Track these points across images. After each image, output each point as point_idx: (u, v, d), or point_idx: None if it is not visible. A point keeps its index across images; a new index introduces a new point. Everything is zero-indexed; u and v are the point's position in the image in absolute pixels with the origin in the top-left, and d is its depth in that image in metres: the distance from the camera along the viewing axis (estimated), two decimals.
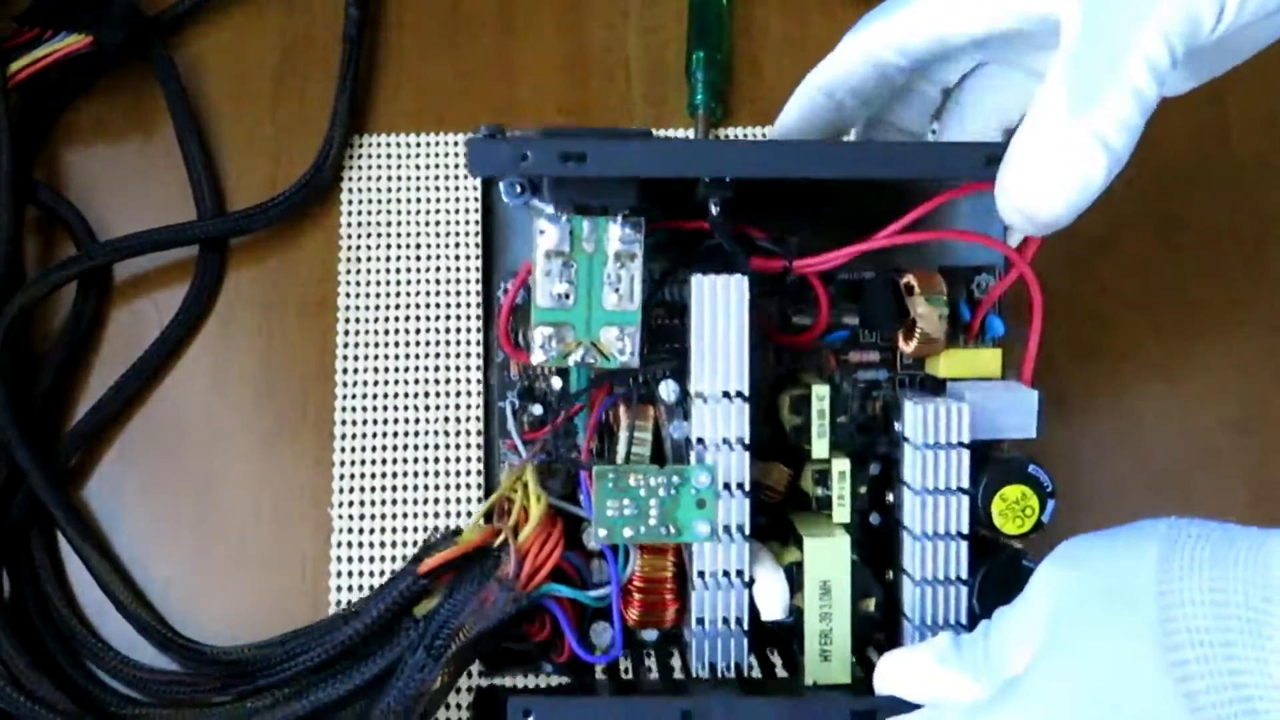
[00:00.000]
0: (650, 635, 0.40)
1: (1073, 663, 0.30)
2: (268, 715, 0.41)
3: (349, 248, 0.52)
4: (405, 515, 0.47)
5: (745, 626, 0.37)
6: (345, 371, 0.49)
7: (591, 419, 0.39)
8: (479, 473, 0.46)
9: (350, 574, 0.46)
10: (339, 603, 0.46)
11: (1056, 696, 0.30)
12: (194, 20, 0.55)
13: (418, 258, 0.51)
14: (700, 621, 0.38)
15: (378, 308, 0.51)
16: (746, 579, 0.37)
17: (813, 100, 0.39)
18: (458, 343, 0.49)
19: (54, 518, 0.46)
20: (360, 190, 0.53)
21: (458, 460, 0.48)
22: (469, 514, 0.48)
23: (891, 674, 0.35)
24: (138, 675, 0.44)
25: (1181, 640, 0.28)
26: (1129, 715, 0.29)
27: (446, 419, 0.48)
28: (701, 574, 0.37)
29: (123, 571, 0.46)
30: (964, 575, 0.38)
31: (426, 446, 0.48)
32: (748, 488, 0.37)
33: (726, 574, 0.37)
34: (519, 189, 0.37)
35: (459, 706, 0.44)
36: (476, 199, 0.52)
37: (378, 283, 0.51)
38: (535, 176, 0.36)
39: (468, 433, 0.48)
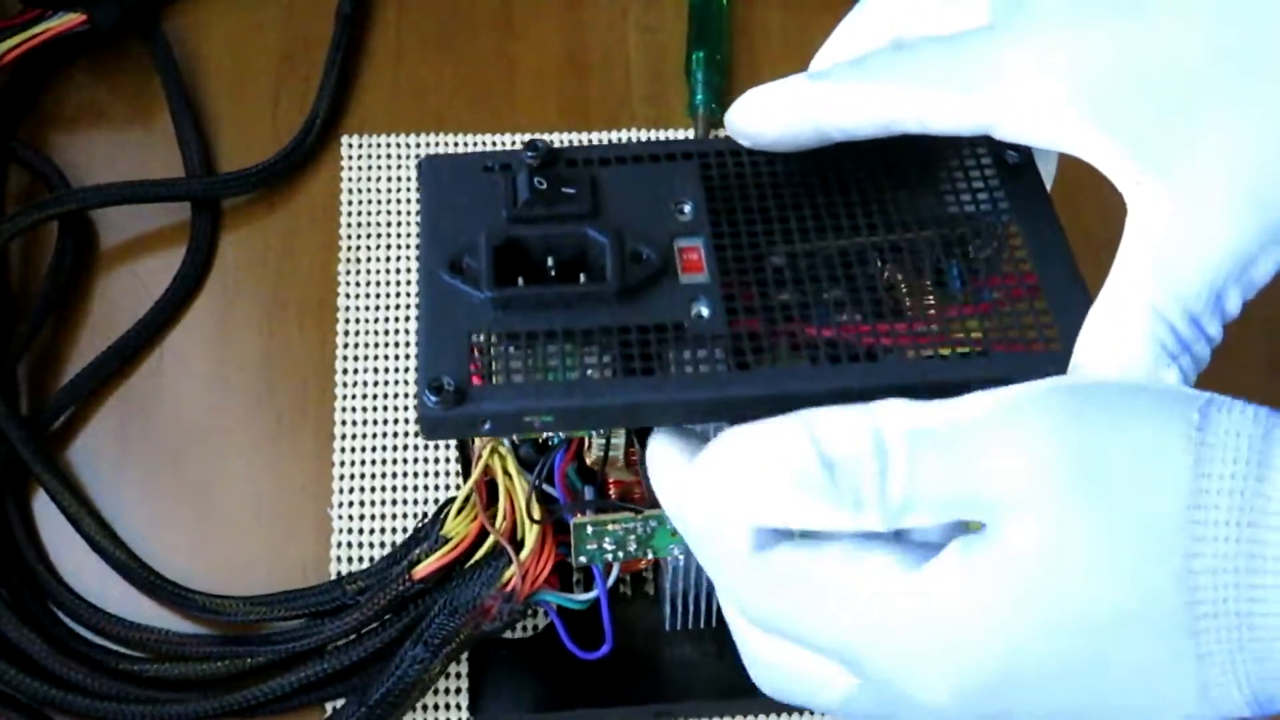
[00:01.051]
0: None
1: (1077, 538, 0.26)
2: (261, 690, 0.42)
3: (349, 248, 0.52)
4: (405, 515, 0.47)
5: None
6: (345, 372, 0.49)
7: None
8: None
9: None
10: None
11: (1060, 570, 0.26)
12: (193, 1, 0.55)
13: (418, 258, 0.51)
14: (673, 608, 0.39)
15: (378, 308, 0.51)
16: None
17: (801, 132, 0.35)
18: None
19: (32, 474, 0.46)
20: (360, 190, 0.53)
21: (458, 460, 0.48)
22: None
23: (725, 480, 0.30)
24: (134, 635, 0.44)
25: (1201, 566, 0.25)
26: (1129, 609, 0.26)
27: None
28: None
29: (103, 521, 0.46)
30: None
31: (426, 446, 0.48)
32: None
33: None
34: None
35: (459, 707, 0.44)
36: None
37: (378, 283, 0.51)
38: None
39: None
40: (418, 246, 0.37)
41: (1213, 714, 0.26)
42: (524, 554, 0.38)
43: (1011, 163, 0.35)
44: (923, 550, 0.28)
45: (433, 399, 0.31)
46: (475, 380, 0.32)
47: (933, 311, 0.34)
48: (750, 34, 0.56)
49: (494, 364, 0.33)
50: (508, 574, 0.39)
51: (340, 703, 0.42)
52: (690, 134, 0.54)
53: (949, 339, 0.33)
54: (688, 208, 0.35)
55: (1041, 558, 0.26)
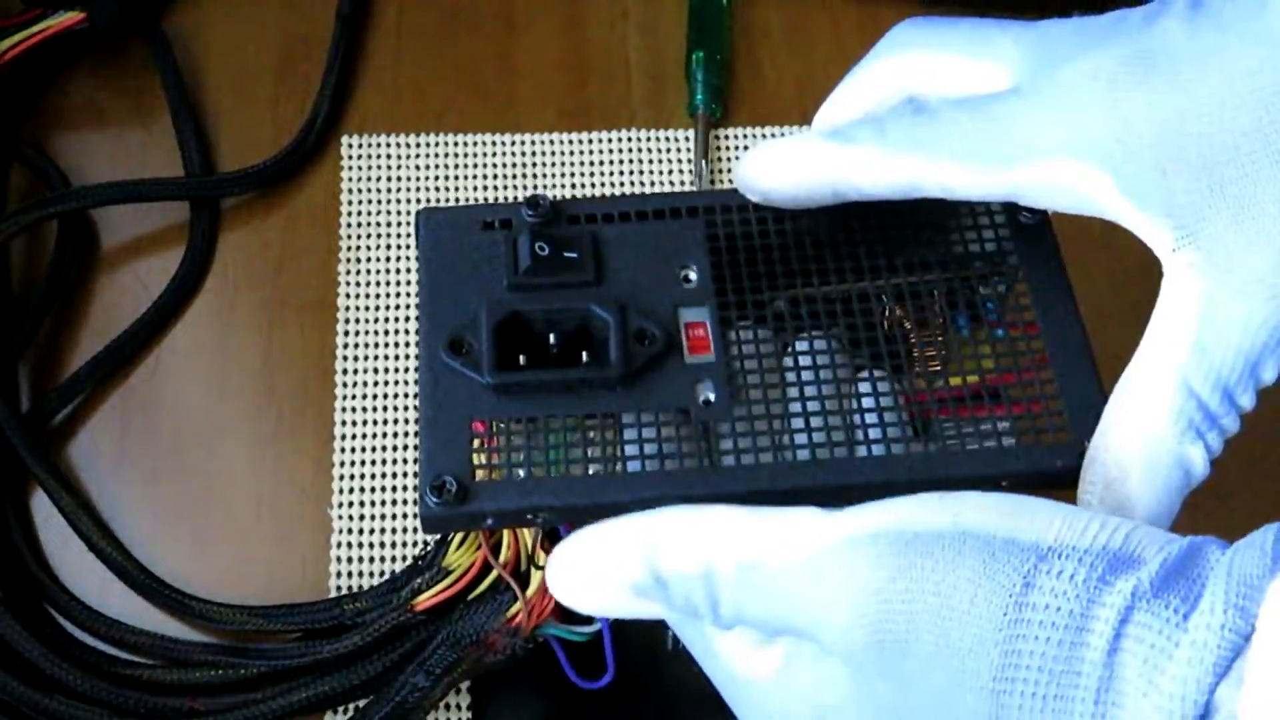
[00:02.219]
0: None
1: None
2: (259, 708, 0.41)
3: (349, 248, 0.52)
4: (405, 515, 0.47)
5: None
6: (345, 372, 0.49)
7: None
8: None
9: (350, 574, 0.46)
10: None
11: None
12: (193, 1, 0.56)
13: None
14: None
15: (378, 308, 0.51)
16: None
17: (815, 192, 0.34)
18: None
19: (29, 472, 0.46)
20: (360, 190, 0.53)
21: None
22: None
23: (569, 582, 0.31)
24: (130, 638, 0.44)
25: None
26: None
27: None
28: None
29: (101, 521, 0.46)
30: None
31: None
32: None
33: None
34: None
35: (459, 707, 0.44)
36: (475, 200, 0.53)
37: (378, 283, 0.51)
38: None
39: None
40: (417, 312, 0.36)
41: None
42: (530, 591, 0.38)
43: (1025, 223, 0.35)
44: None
45: (435, 499, 0.31)
46: (479, 475, 0.32)
47: (940, 386, 0.34)
48: (750, 34, 0.56)
49: (495, 456, 0.32)
50: (513, 610, 0.39)
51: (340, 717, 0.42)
52: (690, 134, 0.54)
53: (956, 415, 0.33)
54: (693, 274, 0.35)
55: (845, 705, 0.27)
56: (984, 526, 0.27)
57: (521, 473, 0.32)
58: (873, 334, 0.34)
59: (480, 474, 0.32)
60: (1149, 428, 0.30)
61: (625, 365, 0.33)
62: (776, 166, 0.34)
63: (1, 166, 0.52)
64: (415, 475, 0.47)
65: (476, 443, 0.32)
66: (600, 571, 0.30)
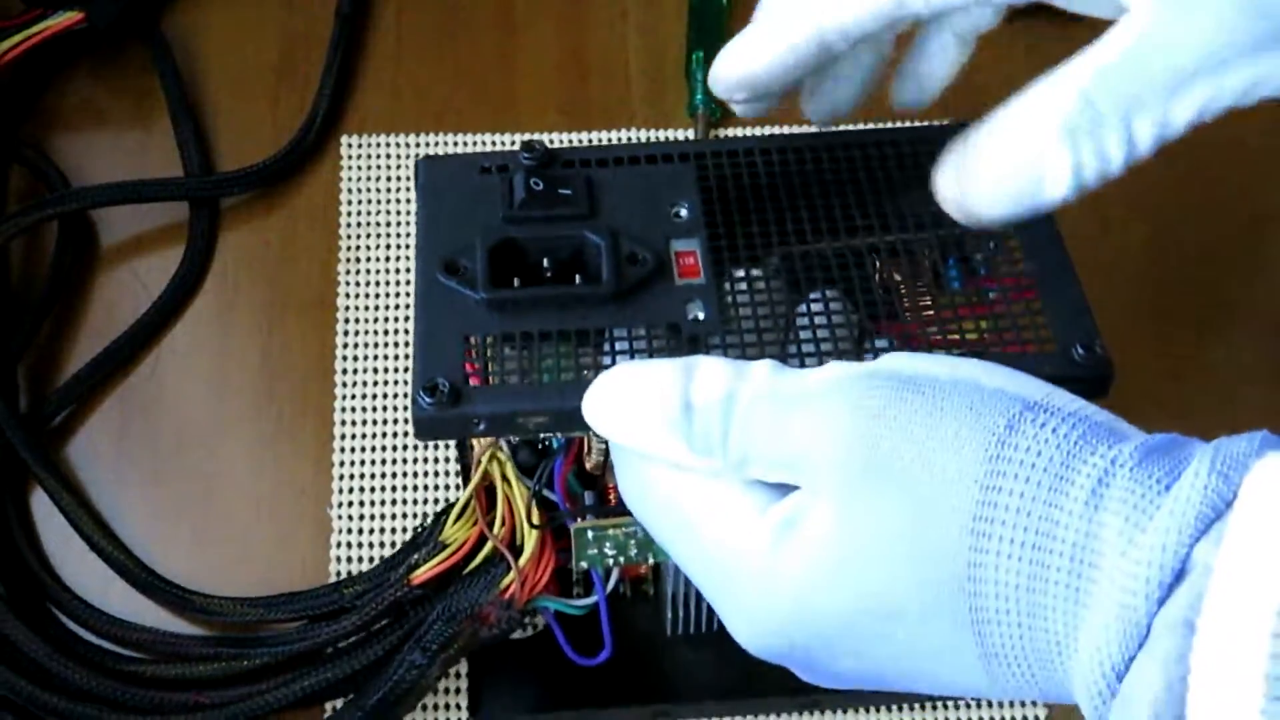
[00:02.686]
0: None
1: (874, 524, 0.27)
2: (263, 699, 0.41)
3: (349, 248, 0.52)
4: (405, 515, 0.47)
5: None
6: (345, 372, 0.49)
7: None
8: None
9: (350, 574, 0.46)
10: None
11: (851, 557, 0.27)
12: (193, 1, 0.56)
13: (414, 257, 0.51)
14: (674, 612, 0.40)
15: (377, 308, 0.51)
16: None
17: (799, 48, 0.35)
18: None
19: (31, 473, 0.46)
20: (360, 190, 0.53)
21: (457, 461, 0.48)
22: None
23: (607, 410, 0.30)
24: (131, 635, 0.44)
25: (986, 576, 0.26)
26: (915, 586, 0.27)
27: None
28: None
29: (101, 520, 0.46)
30: None
31: (426, 446, 0.48)
32: None
33: None
34: None
35: (459, 708, 0.44)
36: None
37: (377, 283, 0.51)
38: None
39: None
40: (414, 246, 0.37)
41: (1004, 696, 0.27)
42: (523, 560, 0.38)
43: None
44: (774, 498, 0.29)
45: (427, 400, 0.32)
46: (472, 381, 0.32)
47: (930, 313, 0.34)
48: None
49: (489, 365, 0.33)
50: (506, 580, 0.39)
51: (339, 703, 0.42)
52: (690, 134, 0.54)
53: (945, 340, 0.33)
54: (684, 210, 0.35)
55: (828, 538, 0.27)
56: (976, 377, 0.28)
57: (514, 379, 0.32)
58: (866, 285, 0.34)
59: (473, 380, 0.32)
60: (1029, 117, 0.30)
61: (617, 283, 0.33)
62: (756, 41, 0.35)
63: (1, 167, 0.52)
64: (415, 475, 0.48)
65: (471, 353, 0.33)
66: (640, 395, 0.30)
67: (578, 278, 0.34)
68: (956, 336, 0.34)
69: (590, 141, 0.54)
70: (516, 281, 0.34)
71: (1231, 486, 0.24)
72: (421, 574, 0.40)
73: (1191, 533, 0.24)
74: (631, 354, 0.33)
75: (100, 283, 0.51)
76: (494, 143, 0.53)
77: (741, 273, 0.35)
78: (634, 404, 0.30)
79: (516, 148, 0.37)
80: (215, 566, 0.46)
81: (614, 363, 0.32)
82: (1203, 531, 0.24)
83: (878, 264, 0.35)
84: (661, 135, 0.54)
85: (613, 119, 0.54)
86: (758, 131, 0.54)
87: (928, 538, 0.26)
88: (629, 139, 0.54)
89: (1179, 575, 0.23)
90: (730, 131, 0.54)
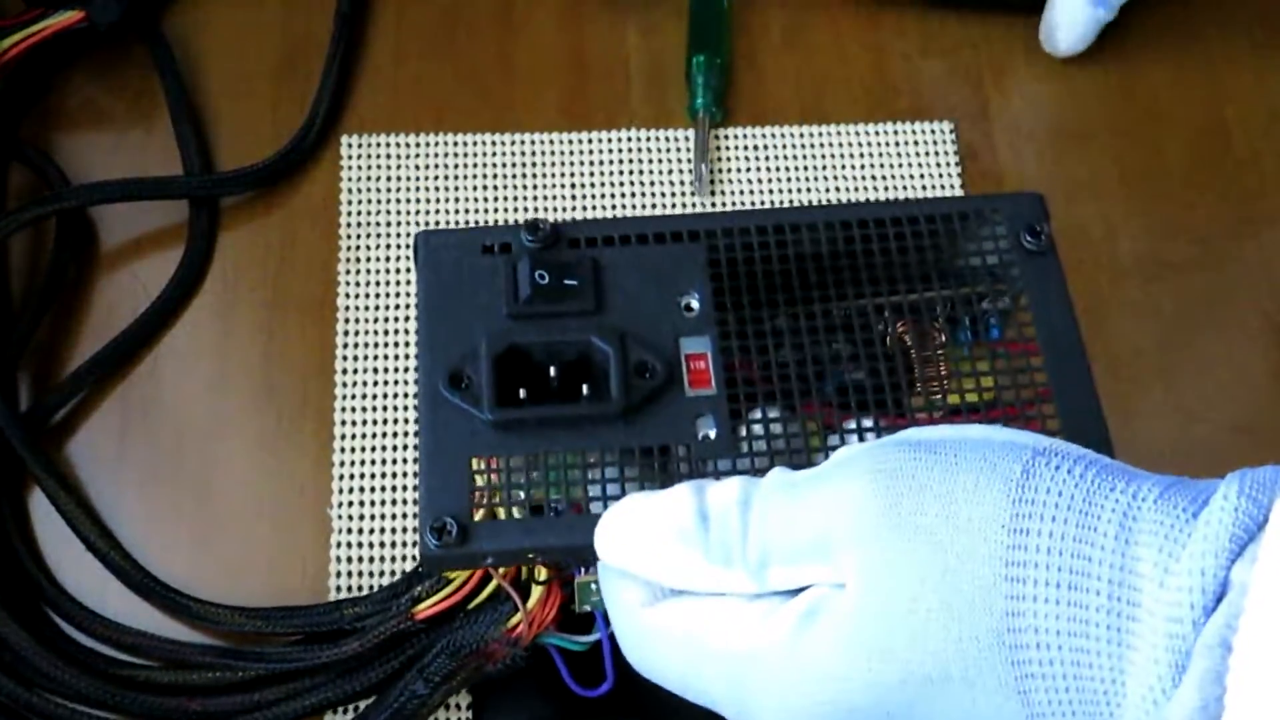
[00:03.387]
0: None
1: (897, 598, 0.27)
2: (260, 714, 0.41)
3: (349, 248, 0.52)
4: (405, 515, 0.47)
5: None
6: (345, 371, 0.49)
7: None
8: None
9: (350, 574, 0.46)
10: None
11: (877, 632, 0.27)
12: (193, 1, 0.55)
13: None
14: None
15: (378, 308, 0.50)
16: None
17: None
18: None
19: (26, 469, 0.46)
20: (360, 190, 0.53)
21: None
22: None
23: (620, 535, 0.30)
24: (127, 639, 0.44)
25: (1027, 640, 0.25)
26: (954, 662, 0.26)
27: None
28: None
29: (99, 521, 0.46)
30: None
31: None
32: None
33: None
34: None
35: (459, 706, 0.44)
36: (475, 200, 0.53)
37: (378, 283, 0.51)
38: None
39: None
40: (416, 339, 0.36)
41: None
42: (531, 603, 0.38)
43: (1030, 248, 0.35)
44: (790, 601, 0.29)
45: (435, 541, 0.32)
46: (477, 515, 0.32)
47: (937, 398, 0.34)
48: (750, 34, 0.56)
49: (496, 494, 0.32)
50: (514, 620, 0.38)
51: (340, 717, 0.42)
52: (690, 135, 0.54)
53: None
54: (694, 302, 0.35)
55: (857, 611, 0.27)
56: (985, 435, 0.28)
57: (522, 512, 0.32)
58: (872, 350, 0.34)
59: (480, 513, 0.32)
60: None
61: (625, 399, 0.33)
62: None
63: (1, 166, 0.52)
64: (415, 475, 0.47)
65: (478, 480, 0.32)
66: (652, 517, 0.30)
67: (585, 387, 0.34)
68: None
69: (590, 142, 0.53)
70: (523, 393, 0.33)
71: (1261, 509, 0.24)
72: (424, 609, 0.40)
73: (1228, 554, 0.23)
74: (641, 480, 0.32)
75: (100, 282, 0.51)
76: (494, 142, 0.53)
77: (758, 413, 0.34)
78: (646, 527, 0.30)
79: (518, 224, 0.36)
80: (214, 567, 0.46)
81: (624, 486, 0.32)
82: (1238, 554, 0.23)
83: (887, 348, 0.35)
84: (661, 135, 0.54)
85: (613, 119, 0.54)
86: (756, 133, 0.54)
87: (961, 591, 0.26)
88: (629, 139, 0.54)
89: (1219, 599, 0.23)
90: (731, 131, 0.54)
